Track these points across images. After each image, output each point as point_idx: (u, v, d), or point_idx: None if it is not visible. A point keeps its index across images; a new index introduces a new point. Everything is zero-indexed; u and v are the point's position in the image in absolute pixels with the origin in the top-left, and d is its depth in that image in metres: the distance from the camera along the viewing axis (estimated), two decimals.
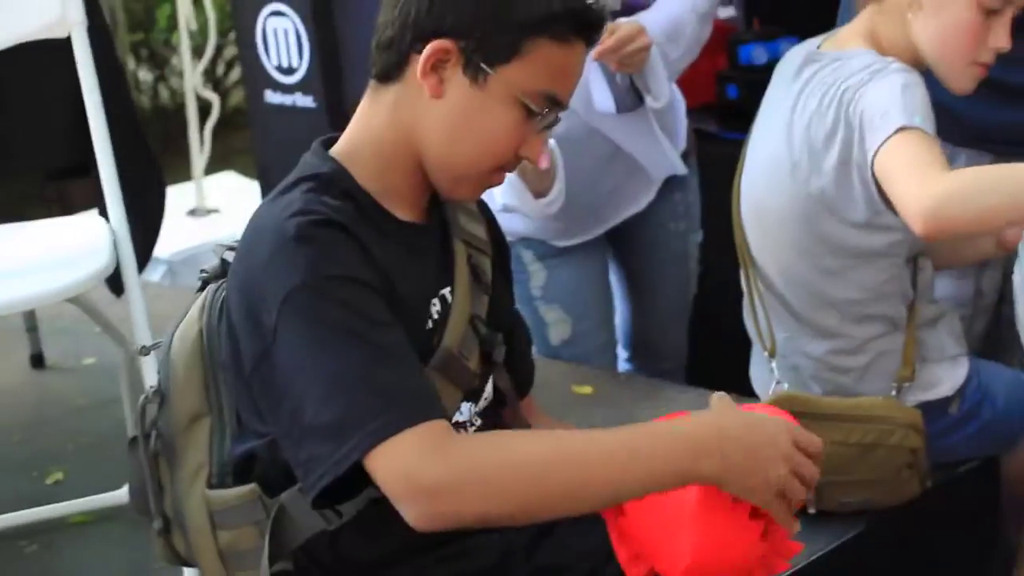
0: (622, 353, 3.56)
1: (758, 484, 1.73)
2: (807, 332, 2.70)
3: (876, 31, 2.59)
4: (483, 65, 1.82)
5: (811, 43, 2.70)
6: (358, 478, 1.72)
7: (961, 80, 2.56)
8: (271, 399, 1.78)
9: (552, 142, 2.75)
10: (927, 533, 2.76)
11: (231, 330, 1.85)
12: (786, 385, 2.68)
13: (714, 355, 3.17)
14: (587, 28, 1.86)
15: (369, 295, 1.76)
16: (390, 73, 1.88)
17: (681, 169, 3.26)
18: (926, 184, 2.29)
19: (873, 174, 2.44)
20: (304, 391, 1.72)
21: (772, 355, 2.70)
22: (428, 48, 1.82)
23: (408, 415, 1.69)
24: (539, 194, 2.90)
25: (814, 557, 2.56)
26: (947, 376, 2.68)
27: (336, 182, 1.86)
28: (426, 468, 1.67)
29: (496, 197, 2.88)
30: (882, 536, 2.67)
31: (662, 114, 3.15)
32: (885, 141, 2.38)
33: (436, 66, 1.83)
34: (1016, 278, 2.69)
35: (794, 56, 2.69)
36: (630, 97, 3.06)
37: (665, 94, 3.03)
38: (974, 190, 2.29)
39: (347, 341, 1.72)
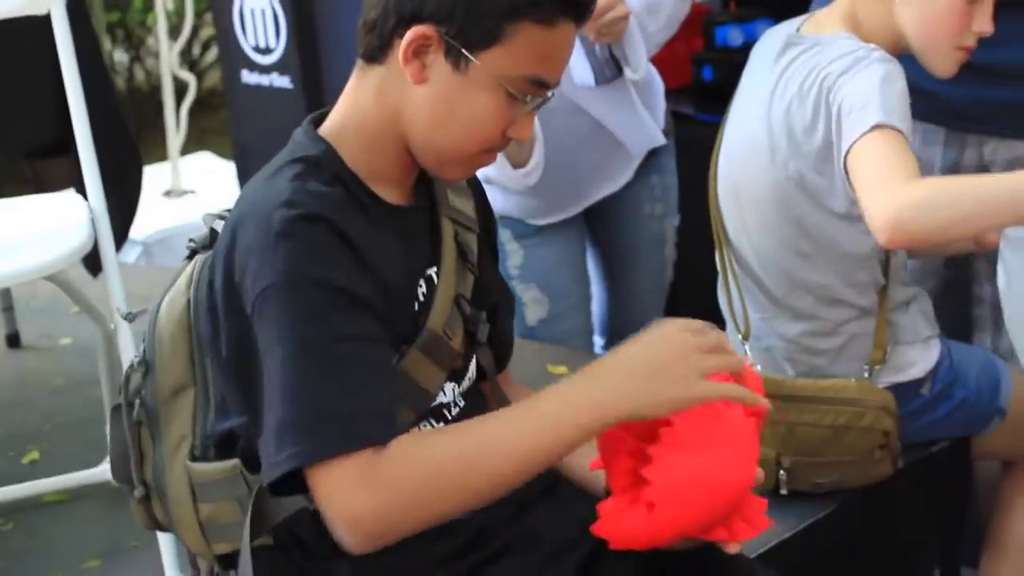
0: (598, 341, 3.57)
1: (681, 385, 1.71)
2: (782, 314, 2.71)
3: (856, 15, 2.60)
4: (464, 51, 1.81)
5: (790, 25, 2.71)
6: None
7: (945, 64, 2.58)
8: (239, 381, 1.82)
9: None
10: (898, 513, 2.78)
11: (212, 303, 1.85)
12: (759, 367, 2.69)
13: None
14: (574, 6, 1.84)
15: (340, 302, 1.75)
16: (374, 55, 1.87)
17: (661, 140, 3.27)
18: (893, 194, 2.28)
19: (845, 167, 2.45)
20: (266, 385, 1.74)
21: (746, 338, 2.72)
22: (409, 34, 1.81)
23: (338, 441, 1.70)
24: (518, 165, 2.91)
25: (786, 536, 2.58)
26: (919, 358, 2.70)
27: (326, 165, 1.86)
28: (352, 500, 1.68)
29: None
30: (853, 516, 2.69)
31: (641, 87, 3.16)
32: (860, 138, 2.39)
33: (418, 51, 1.82)
34: (1000, 282, 2.71)
35: (773, 38, 2.70)
36: (609, 68, 3.07)
37: (643, 65, 3.04)
38: (938, 202, 2.28)
39: (304, 350, 1.72)
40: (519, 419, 1.73)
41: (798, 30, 2.66)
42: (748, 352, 2.71)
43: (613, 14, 2.89)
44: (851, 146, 2.41)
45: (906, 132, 2.39)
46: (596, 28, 2.89)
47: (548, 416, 1.72)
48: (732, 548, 1.84)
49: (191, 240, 2.01)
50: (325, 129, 1.91)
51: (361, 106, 1.90)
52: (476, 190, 2.10)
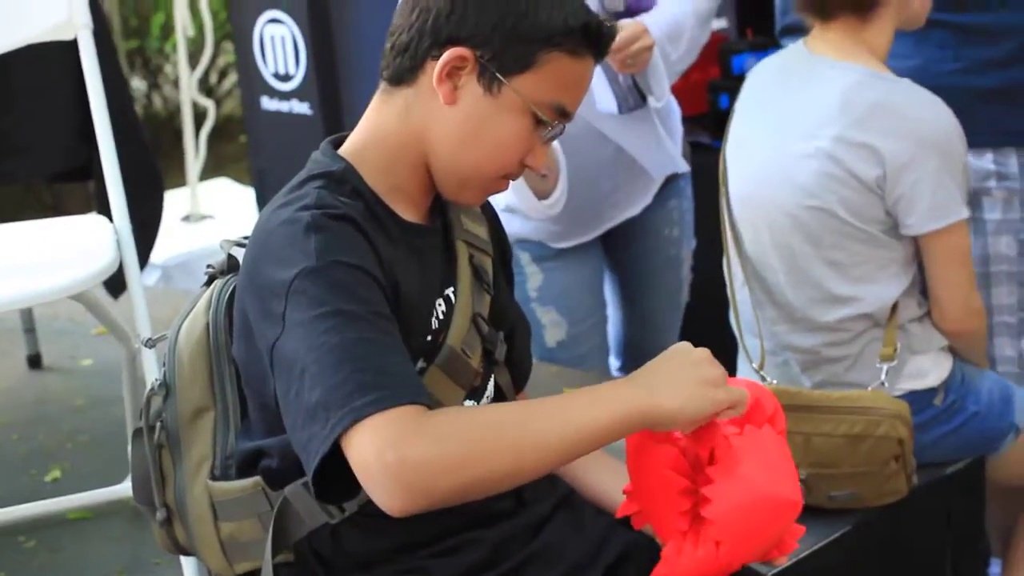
0: (614, 363, 3.59)
1: (696, 411, 1.79)
2: (800, 326, 2.76)
3: (872, 45, 2.69)
4: (498, 75, 1.86)
5: (798, 48, 2.78)
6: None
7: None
8: (281, 388, 1.78)
9: (555, 144, 2.79)
10: (913, 534, 2.79)
11: (244, 323, 1.87)
12: (775, 381, 2.73)
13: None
14: (599, 43, 1.90)
15: (371, 285, 1.78)
16: (403, 77, 1.91)
17: (683, 166, 3.30)
18: (976, 301, 2.76)
19: (915, 237, 2.68)
20: (304, 371, 1.73)
21: (761, 368, 2.75)
22: (445, 55, 1.86)
23: (395, 396, 1.69)
24: (542, 195, 2.94)
25: (801, 556, 2.58)
26: (933, 368, 2.75)
27: (346, 181, 1.89)
28: (397, 449, 1.66)
29: (499, 198, 2.91)
30: (868, 536, 2.70)
31: (663, 113, 3.19)
32: (943, 228, 2.66)
33: (451, 73, 1.87)
34: None
35: (789, 58, 2.78)
36: (632, 97, 3.09)
37: (667, 93, 3.07)
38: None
39: (346, 321, 1.73)
40: (569, 397, 1.77)
41: (809, 50, 2.73)
42: (766, 377, 2.74)
43: (639, 45, 2.92)
44: (933, 231, 2.66)
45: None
46: (621, 59, 2.92)
47: (599, 395, 1.77)
48: (781, 561, 1.91)
49: (209, 266, 2.04)
50: (345, 149, 1.95)
51: (384, 127, 1.93)
52: (489, 216, 2.14)
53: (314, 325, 1.74)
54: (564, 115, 1.91)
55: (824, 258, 2.71)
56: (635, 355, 3.54)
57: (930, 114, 2.65)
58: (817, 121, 2.68)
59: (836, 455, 2.62)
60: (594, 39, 1.89)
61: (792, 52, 2.82)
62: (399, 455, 1.65)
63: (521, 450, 1.72)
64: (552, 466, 1.77)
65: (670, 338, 3.48)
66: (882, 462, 2.62)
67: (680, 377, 1.80)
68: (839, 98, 2.66)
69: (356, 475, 1.69)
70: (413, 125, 1.91)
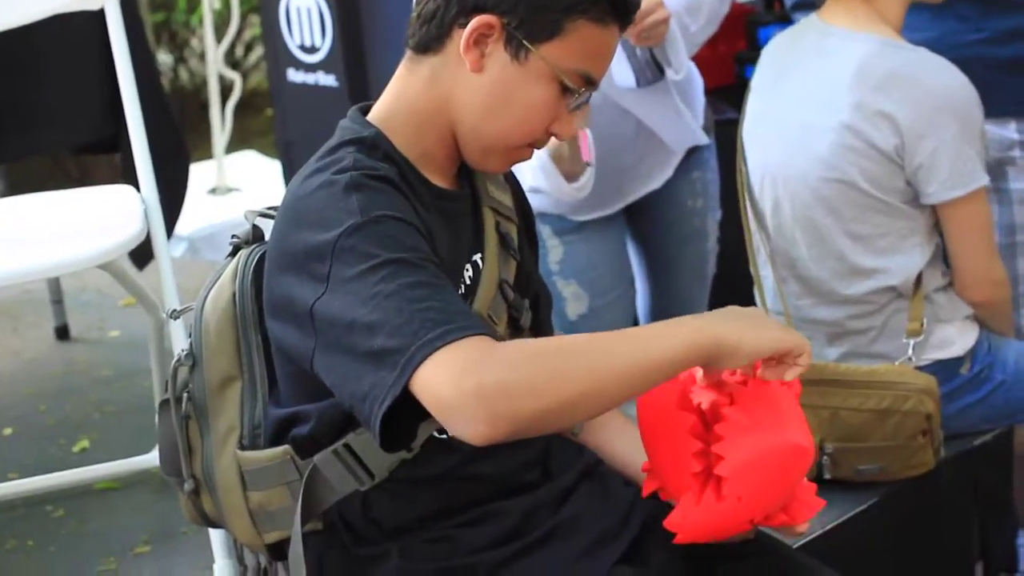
0: None
1: (754, 333, 1.79)
2: (825, 300, 2.75)
3: (884, 13, 2.67)
4: (525, 42, 1.86)
5: (811, 20, 2.77)
6: (414, 414, 1.72)
7: None
8: (324, 346, 1.77)
9: (588, 132, 2.78)
10: (940, 505, 2.79)
11: (276, 285, 1.84)
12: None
13: None
14: (624, 11, 1.90)
15: (418, 236, 1.79)
16: (429, 45, 1.91)
17: (703, 139, 3.28)
18: (999, 272, 2.77)
19: (933, 206, 2.67)
20: (355, 322, 1.71)
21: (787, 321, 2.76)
22: (473, 23, 1.86)
23: (463, 328, 1.69)
24: (570, 178, 2.93)
25: (829, 527, 2.60)
26: (959, 336, 2.75)
27: (378, 146, 1.90)
28: (477, 372, 1.65)
29: (526, 178, 2.91)
30: (895, 507, 2.70)
31: (681, 86, 3.17)
32: (964, 196, 2.65)
33: (478, 40, 1.87)
34: None
35: (803, 32, 2.76)
36: (650, 70, 3.08)
37: (685, 66, 3.05)
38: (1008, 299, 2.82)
39: (399, 269, 1.73)
40: (636, 329, 1.78)
41: (824, 21, 2.72)
42: None
43: (654, 18, 2.90)
44: (952, 199, 2.66)
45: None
46: (637, 32, 2.91)
47: (668, 326, 1.78)
48: (801, 527, 1.89)
49: (234, 236, 2.04)
50: (373, 116, 1.95)
51: (411, 94, 1.93)
52: (513, 185, 2.14)
53: (365, 279, 1.73)
54: (590, 83, 1.91)
55: (846, 230, 2.71)
56: None
57: (946, 81, 2.64)
58: (834, 92, 2.67)
59: (863, 430, 2.61)
60: (619, 7, 1.89)
61: (805, 25, 2.82)
62: (477, 381, 1.64)
63: (599, 373, 1.70)
64: (632, 392, 1.74)
65: (697, 310, 3.47)
66: (909, 436, 2.62)
67: (742, 316, 1.81)
68: (855, 68, 2.66)
69: (432, 410, 1.68)
70: (440, 93, 1.91)
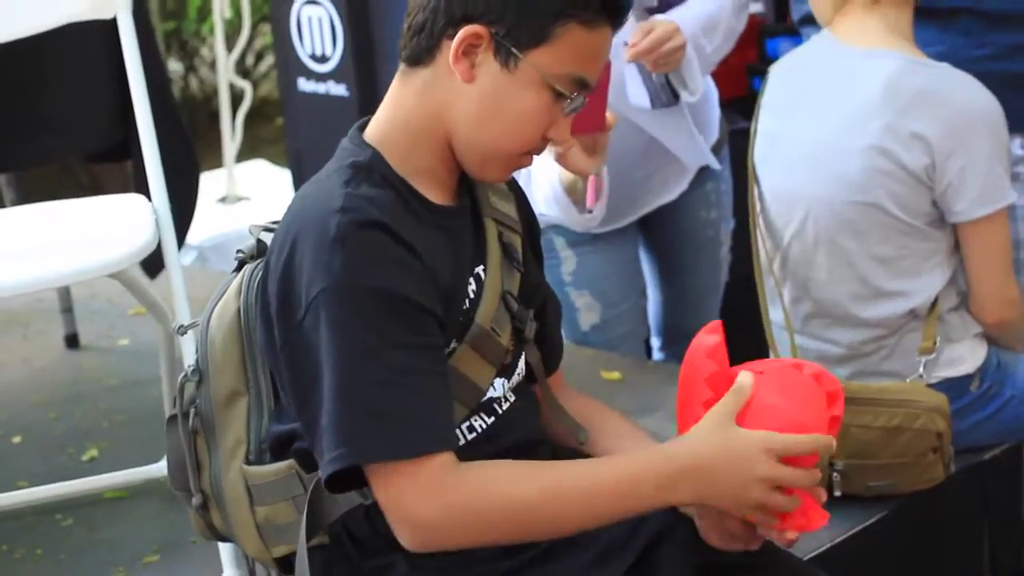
0: (655, 343, 3.59)
1: (731, 505, 1.84)
2: (843, 323, 2.74)
3: (896, 25, 2.66)
4: (514, 50, 1.86)
5: (825, 37, 2.76)
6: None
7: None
8: (291, 384, 1.87)
9: (605, 176, 2.77)
10: (949, 519, 2.78)
11: (266, 312, 1.89)
12: None
13: (746, 342, 3.17)
14: (614, 12, 1.90)
15: (399, 310, 1.80)
16: (420, 57, 1.91)
17: (714, 163, 3.28)
18: (1013, 292, 2.73)
19: (955, 225, 2.67)
20: (318, 388, 1.79)
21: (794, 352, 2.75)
22: (460, 33, 1.85)
23: (404, 446, 1.78)
24: (582, 209, 2.91)
25: (838, 540, 2.59)
26: (969, 354, 2.75)
27: (373, 169, 1.89)
28: (421, 506, 1.78)
29: (538, 206, 2.90)
30: (905, 521, 2.70)
31: (696, 108, 3.17)
32: (986, 216, 2.64)
33: (467, 51, 1.86)
34: None
35: (818, 51, 2.75)
36: (665, 93, 3.07)
37: (700, 88, 3.05)
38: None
39: (362, 355, 1.78)
40: (599, 482, 1.83)
41: (840, 40, 2.72)
42: (799, 352, 2.73)
43: (671, 44, 2.90)
44: (974, 219, 2.64)
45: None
46: (653, 59, 2.91)
47: (624, 486, 1.82)
48: (791, 535, 1.89)
49: (239, 251, 2.05)
50: (370, 135, 1.95)
51: (404, 108, 1.93)
52: (517, 193, 2.14)
53: (328, 352, 1.79)
54: (583, 86, 1.91)
55: (871, 253, 2.69)
56: (674, 336, 3.53)
57: (975, 98, 2.63)
58: (862, 113, 2.65)
59: (874, 446, 2.61)
60: (609, 8, 1.88)
61: (819, 43, 2.80)
62: (419, 517, 1.79)
63: (544, 530, 1.85)
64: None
65: (709, 319, 3.46)
66: (919, 454, 2.61)
67: (727, 476, 1.83)
68: (882, 88, 2.64)
69: (377, 498, 1.83)
70: (433, 105, 1.91)
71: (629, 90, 3.04)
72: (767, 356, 2.88)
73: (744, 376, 1.89)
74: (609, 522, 1.86)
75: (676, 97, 3.07)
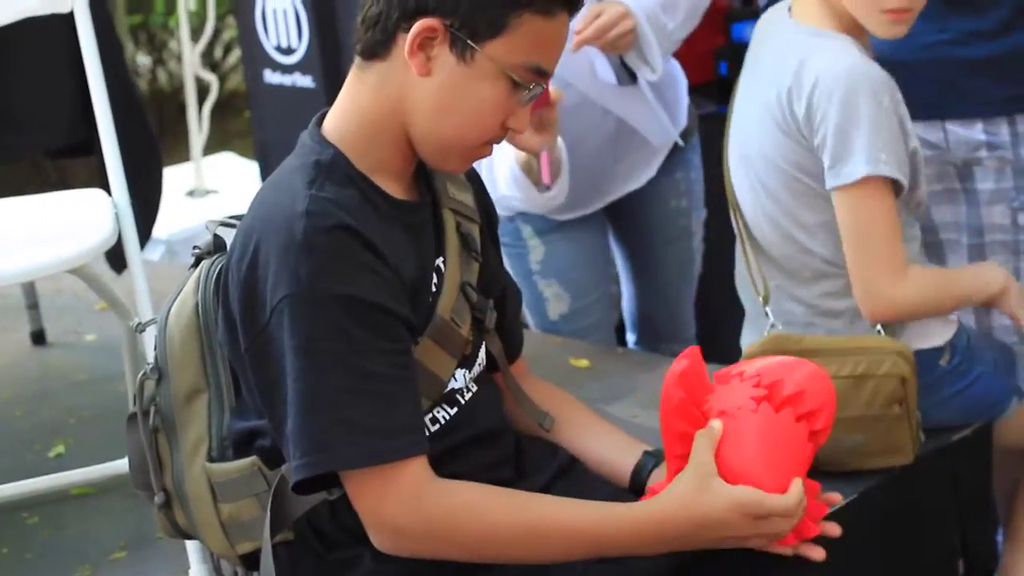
0: (630, 338, 3.57)
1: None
2: (793, 279, 2.73)
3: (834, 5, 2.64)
4: (470, 42, 1.85)
5: (778, 9, 2.74)
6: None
7: (879, 29, 2.60)
8: (256, 386, 1.87)
9: (560, 140, 2.76)
10: (920, 500, 2.78)
11: (227, 311, 1.88)
12: (780, 327, 2.71)
13: (722, 333, 3.17)
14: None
15: (366, 316, 1.80)
16: (375, 51, 1.89)
17: (679, 140, 3.26)
18: (884, 286, 2.58)
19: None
20: (283, 393, 1.80)
21: (766, 302, 2.73)
22: (415, 27, 1.84)
23: (377, 454, 1.79)
24: (541, 188, 2.90)
25: None
26: (938, 328, 2.73)
27: (336, 166, 1.89)
28: (398, 512, 1.80)
29: (499, 186, 2.89)
30: (876, 503, 2.69)
31: (661, 91, 3.16)
32: (847, 185, 2.55)
33: (423, 44, 1.85)
34: None
35: (776, 19, 2.74)
36: (623, 72, 3.07)
37: (659, 66, 3.03)
38: (923, 307, 2.64)
39: (330, 362, 1.78)
40: (580, 531, 1.85)
41: (791, 13, 2.69)
42: (770, 314, 2.72)
43: (617, 30, 2.89)
44: (837, 187, 2.56)
45: (895, 172, 2.54)
46: (602, 44, 2.90)
47: (604, 539, 1.85)
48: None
49: (196, 247, 2.04)
50: (328, 131, 1.93)
51: (361, 103, 1.92)
52: (475, 183, 2.13)
53: (295, 358, 1.79)
54: (541, 75, 1.90)
55: (797, 221, 2.68)
56: (649, 330, 3.52)
57: (830, 67, 2.56)
58: (766, 82, 2.65)
59: (841, 398, 2.57)
60: None
61: (770, 14, 2.78)
62: (396, 522, 1.82)
63: (520, 557, 1.87)
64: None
65: (684, 311, 3.46)
66: (885, 404, 2.59)
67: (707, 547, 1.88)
68: (776, 58, 2.64)
69: (351, 500, 1.85)
70: (390, 99, 1.90)
71: (597, 66, 3.03)
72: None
73: (714, 423, 1.91)
74: (588, 557, 1.88)
75: (633, 77, 3.06)
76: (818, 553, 1.93)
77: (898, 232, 2.59)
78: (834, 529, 1.99)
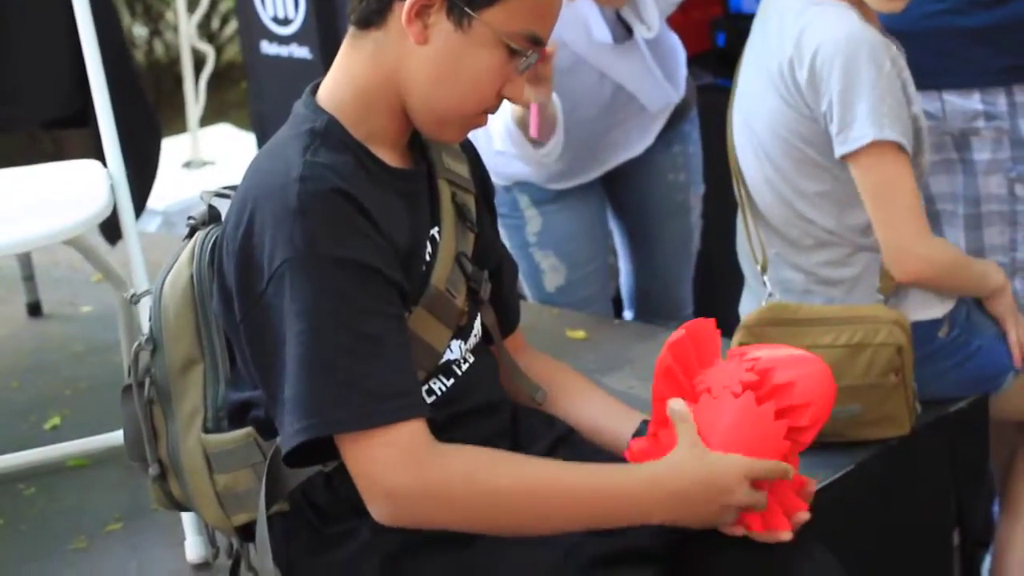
0: (628, 315, 3.56)
1: (702, 526, 1.89)
2: (793, 246, 2.73)
3: None
4: (467, 9, 1.84)
5: None
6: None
7: (878, 2, 2.60)
8: (252, 356, 1.86)
9: (555, 97, 2.76)
10: (916, 471, 2.78)
11: (223, 281, 1.87)
12: (778, 297, 2.70)
13: (721, 310, 3.16)
14: None
15: (363, 279, 1.79)
16: (371, 20, 1.89)
17: (675, 97, 3.24)
18: (914, 242, 2.60)
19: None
20: (280, 360, 1.78)
21: (764, 270, 2.73)
22: None
23: (377, 415, 1.77)
24: (536, 144, 2.90)
25: None
26: (938, 300, 2.73)
27: (330, 134, 1.88)
28: (396, 476, 1.77)
29: (494, 143, 2.88)
30: (872, 473, 2.69)
31: (654, 46, 3.14)
32: (858, 150, 2.55)
33: (420, 12, 1.85)
34: None
35: None
36: (619, 29, 3.06)
37: (655, 23, 3.02)
38: (947, 271, 2.67)
39: (330, 325, 1.77)
40: (581, 494, 1.84)
41: None
42: (767, 283, 2.72)
43: None
44: (848, 154, 2.56)
45: (901, 137, 2.54)
46: None
47: (606, 501, 1.85)
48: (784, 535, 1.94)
49: (191, 217, 2.04)
50: (323, 100, 1.93)
51: (356, 72, 1.91)
52: (470, 153, 2.13)
53: (294, 323, 1.78)
54: (537, 43, 1.90)
55: (798, 190, 2.67)
56: (646, 306, 3.51)
57: (830, 35, 2.56)
58: (768, 51, 2.65)
59: (837, 368, 2.58)
60: None
61: None
62: (393, 486, 1.78)
63: (522, 527, 1.85)
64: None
65: (682, 288, 3.45)
66: (881, 373, 2.59)
67: (696, 513, 1.87)
68: (779, 27, 2.64)
69: (348, 468, 1.82)
70: (385, 68, 1.89)
71: (592, 25, 3.02)
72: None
73: (673, 403, 1.93)
74: (578, 530, 1.87)
75: (630, 32, 3.05)
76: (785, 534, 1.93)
77: (917, 192, 2.60)
78: (803, 516, 1.97)
